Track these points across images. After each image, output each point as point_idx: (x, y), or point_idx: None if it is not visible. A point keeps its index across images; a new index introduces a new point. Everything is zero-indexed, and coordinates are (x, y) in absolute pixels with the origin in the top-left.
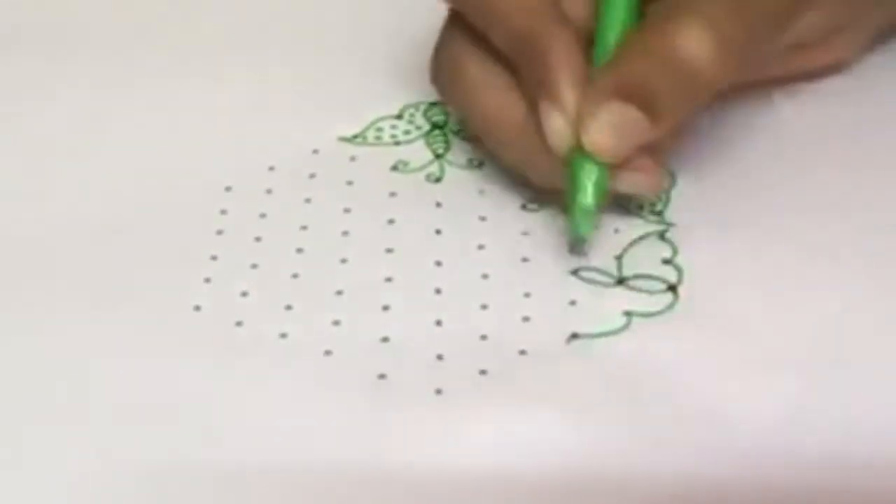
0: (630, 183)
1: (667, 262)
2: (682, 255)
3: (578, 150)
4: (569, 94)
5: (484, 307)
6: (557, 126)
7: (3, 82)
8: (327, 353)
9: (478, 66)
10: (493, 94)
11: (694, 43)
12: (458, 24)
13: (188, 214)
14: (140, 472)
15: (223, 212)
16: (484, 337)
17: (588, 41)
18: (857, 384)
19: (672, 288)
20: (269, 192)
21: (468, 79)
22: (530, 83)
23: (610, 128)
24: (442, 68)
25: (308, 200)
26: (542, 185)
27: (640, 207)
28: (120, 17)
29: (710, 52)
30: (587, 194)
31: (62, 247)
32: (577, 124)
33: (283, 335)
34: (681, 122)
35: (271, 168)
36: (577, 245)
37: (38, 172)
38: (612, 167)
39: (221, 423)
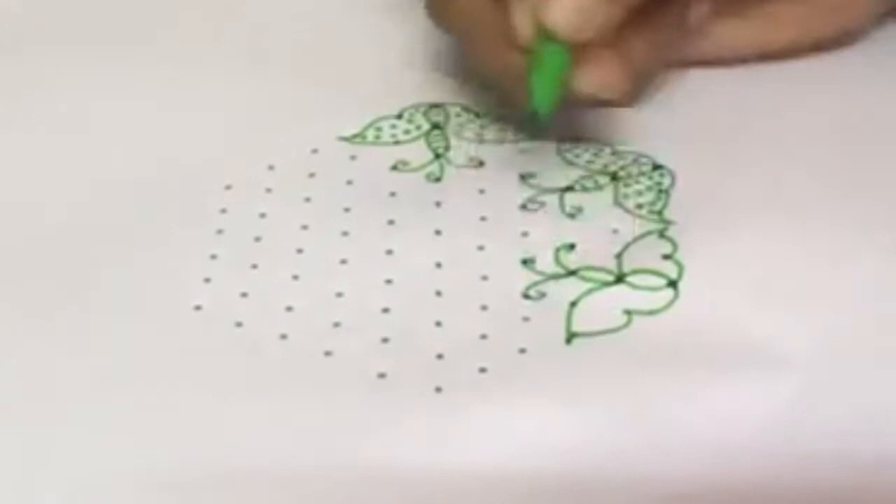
0: (592, 80)
1: (667, 257)
2: (683, 252)
3: (543, 37)
4: None
5: (484, 308)
6: (522, 12)
7: (3, 80)
8: (327, 353)
9: None
10: (478, 9)
11: None
12: None
13: (188, 213)
14: (139, 472)
15: (223, 211)
16: (484, 336)
17: None
18: (857, 383)
19: (672, 284)
20: (268, 191)
21: (457, 2)
22: None
23: (570, 3)
24: None
25: (308, 200)
26: (519, 97)
27: (640, 206)
28: (120, 17)
29: None
30: (545, 73)
31: (62, 245)
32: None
33: (284, 336)
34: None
35: (271, 167)
36: (533, 123)
37: (36, 171)
38: (576, 60)
39: (221, 423)
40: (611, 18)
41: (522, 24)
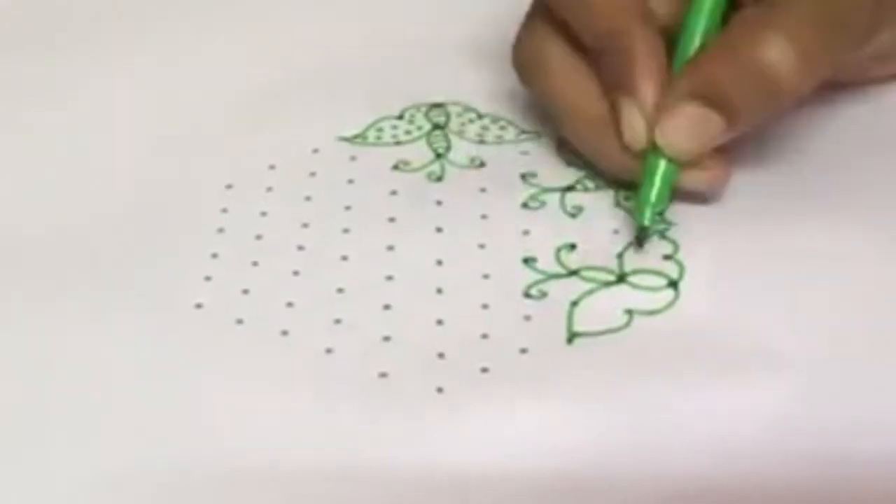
0: (698, 182)
1: (668, 258)
2: (683, 253)
3: (651, 146)
4: (648, 92)
5: (485, 307)
6: (634, 122)
7: (3, 79)
8: (328, 351)
9: (559, 56)
10: (574, 84)
11: (776, 53)
12: (542, 12)
13: (189, 212)
14: (139, 470)
15: (224, 210)
16: (485, 336)
17: (672, 41)
18: (857, 383)
19: (673, 284)
20: (269, 190)
21: (550, 68)
22: (611, 78)
23: (686, 128)
24: (524, 56)
25: (308, 198)
26: (612, 175)
27: None
28: (120, 15)
29: (792, 63)
30: (654, 190)
31: (62, 245)
32: (654, 122)
33: (284, 333)
34: (755, 127)
35: (271, 167)
36: (641, 236)
37: (37, 170)
38: (682, 165)
39: (222, 420)
40: (724, 139)
41: (633, 129)
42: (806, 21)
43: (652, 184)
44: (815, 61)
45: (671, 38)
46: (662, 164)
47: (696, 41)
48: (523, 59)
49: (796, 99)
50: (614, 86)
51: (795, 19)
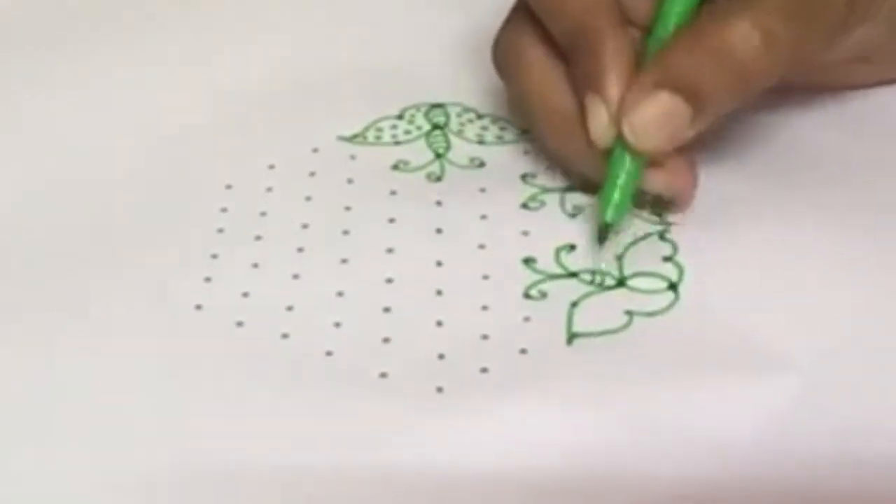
0: (661, 183)
1: (667, 259)
2: (683, 254)
3: (618, 143)
4: (615, 89)
5: (485, 308)
6: (600, 119)
7: (2, 78)
8: (328, 353)
9: (535, 52)
10: (546, 80)
11: (741, 37)
12: (523, 9)
13: (189, 212)
14: (139, 472)
15: (223, 210)
16: (485, 337)
17: (643, 42)
18: (857, 383)
19: (673, 286)
20: (269, 190)
21: (524, 62)
22: (579, 76)
23: (653, 118)
24: (502, 49)
25: (308, 198)
26: (579, 173)
27: (641, 208)
28: (120, 14)
29: (757, 47)
30: (618, 187)
31: (62, 245)
32: (620, 115)
33: (285, 335)
34: (720, 120)
35: (271, 166)
36: (602, 233)
37: (37, 169)
38: (648, 164)
39: (221, 422)
40: (692, 132)
41: (598, 127)
42: (771, 9)
43: (616, 181)
44: (779, 46)
45: (644, 40)
46: (627, 162)
47: (666, 35)
48: (500, 54)
49: (762, 85)
50: (582, 83)
51: (760, 7)
